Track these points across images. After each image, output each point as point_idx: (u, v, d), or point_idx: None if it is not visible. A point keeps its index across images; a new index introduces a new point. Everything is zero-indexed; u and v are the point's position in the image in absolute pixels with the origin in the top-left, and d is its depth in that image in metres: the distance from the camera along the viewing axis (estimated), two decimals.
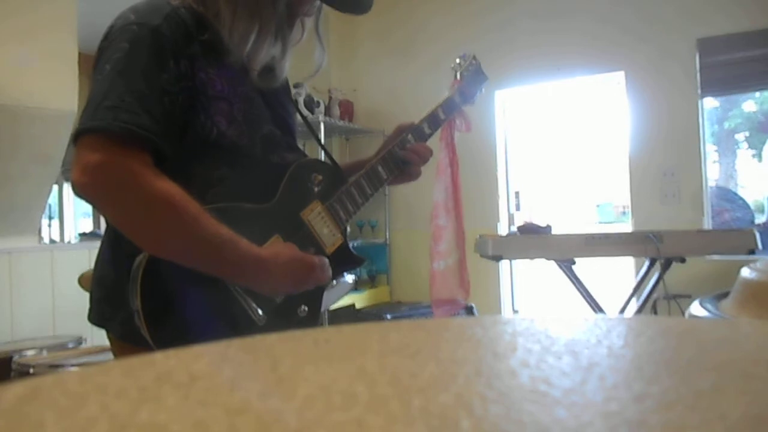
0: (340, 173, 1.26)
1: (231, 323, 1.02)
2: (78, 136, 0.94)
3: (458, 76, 1.57)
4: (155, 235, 0.95)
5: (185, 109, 1.01)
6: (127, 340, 1.04)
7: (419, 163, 1.34)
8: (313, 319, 1.15)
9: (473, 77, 1.58)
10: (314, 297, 1.15)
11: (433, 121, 1.43)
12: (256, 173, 1.10)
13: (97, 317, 1.09)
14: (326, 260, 1.09)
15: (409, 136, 1.35)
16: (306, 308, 1.13)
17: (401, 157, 1.32)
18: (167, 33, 0.99)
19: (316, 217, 1.17)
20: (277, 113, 1.18)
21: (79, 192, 0.93)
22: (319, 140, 1.42)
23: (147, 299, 0.95)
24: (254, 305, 1.04)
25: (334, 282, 1.26)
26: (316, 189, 1.19)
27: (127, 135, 0.92)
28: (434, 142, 1.46)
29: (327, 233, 1.18)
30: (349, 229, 1.26)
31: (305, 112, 3.69)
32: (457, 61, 1.59)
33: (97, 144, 0.92)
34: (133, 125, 0.93)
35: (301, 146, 1.26)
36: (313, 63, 1.21)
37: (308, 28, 1.20)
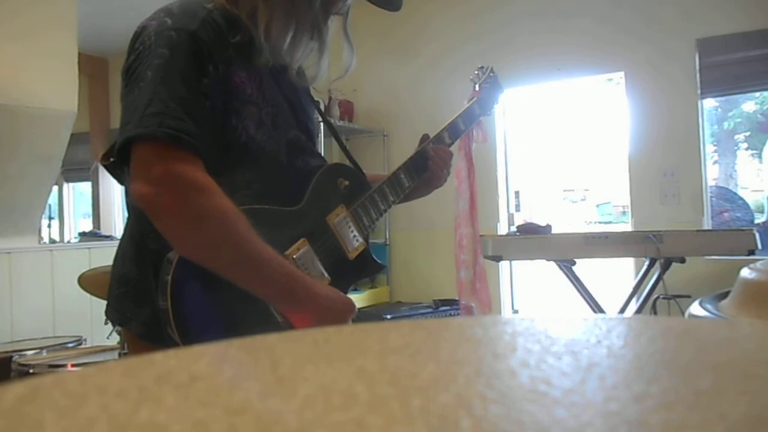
0: (363, 178, 1.26)
1: (255, 324, 1.03)
2: (127, 145, 0.95)
3: (477, 88, 1.58)
4: (206, 247, 0.96)
5: (221, 112, 1.02)
6: (146, 339, 1.04)
7: (440, 164, 1.36)
8: None
9: (491, 89, 1.60)
10: None
11: (454, 130, 1.45)
12: (282, 177, 1.10)
13: (116, 315, 1.09)
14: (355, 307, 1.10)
15: (431, 145, 1.37)
16: None
17: (422, 157, 1.34)
18: (205, 38, 0.99)
19: (341, 221, 1.17)
20: (301, 118, 1.18)
21: (142, 203, 0.94)
22: (342, 144, 1.42)
23: (177, 299, 0.96)
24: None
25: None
26: (341, 193, 1.19)
27: (175, 142, 0.93)
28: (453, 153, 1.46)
29: (351, 238, 1.18)
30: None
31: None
32: (476, 72, 1.60)
33: (155, 155, 0.93)
34: (179, 131, 0.93)
35: None
36: (342, 64, 1.19)
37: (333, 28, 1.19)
